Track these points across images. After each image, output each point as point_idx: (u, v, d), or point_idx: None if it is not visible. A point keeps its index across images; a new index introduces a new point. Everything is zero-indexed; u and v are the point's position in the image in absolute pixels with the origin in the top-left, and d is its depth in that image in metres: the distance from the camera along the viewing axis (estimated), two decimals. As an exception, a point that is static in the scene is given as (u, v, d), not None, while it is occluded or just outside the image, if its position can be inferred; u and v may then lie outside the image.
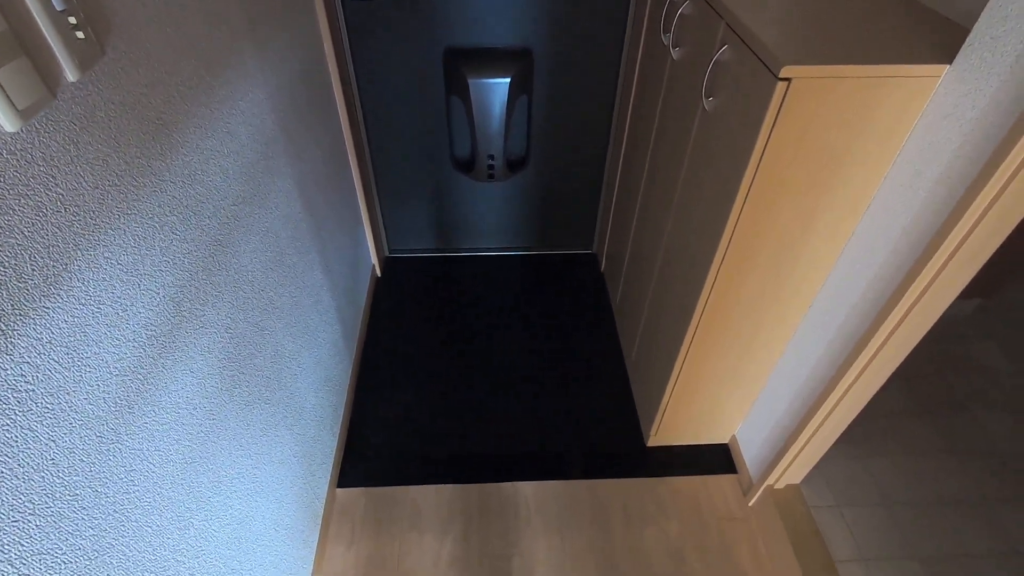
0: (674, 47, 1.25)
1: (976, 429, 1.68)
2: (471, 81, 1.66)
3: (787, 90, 0.83)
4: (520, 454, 1.60)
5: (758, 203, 0.98)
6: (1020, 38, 0.72)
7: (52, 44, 0.53)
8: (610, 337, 1.92)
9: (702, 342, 1.26)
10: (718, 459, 1.59)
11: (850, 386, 1.14)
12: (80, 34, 0.55)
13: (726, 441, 1.62)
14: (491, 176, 1.89)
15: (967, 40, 0.80)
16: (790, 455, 1.32)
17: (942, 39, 0.89)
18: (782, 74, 0.81)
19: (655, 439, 1.59)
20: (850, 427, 1.68)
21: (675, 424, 1.53)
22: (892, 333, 1.02)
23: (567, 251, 2.23)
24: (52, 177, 0.53)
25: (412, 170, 1.94)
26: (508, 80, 1.66)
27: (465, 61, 1.65)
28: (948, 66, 0.82)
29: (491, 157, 1.84)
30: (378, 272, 2.11)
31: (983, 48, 0.77)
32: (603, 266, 2.13)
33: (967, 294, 1.97)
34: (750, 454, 1.51)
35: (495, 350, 1.87)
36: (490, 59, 1.66)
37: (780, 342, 1.28)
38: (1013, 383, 1.81)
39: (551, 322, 1.97)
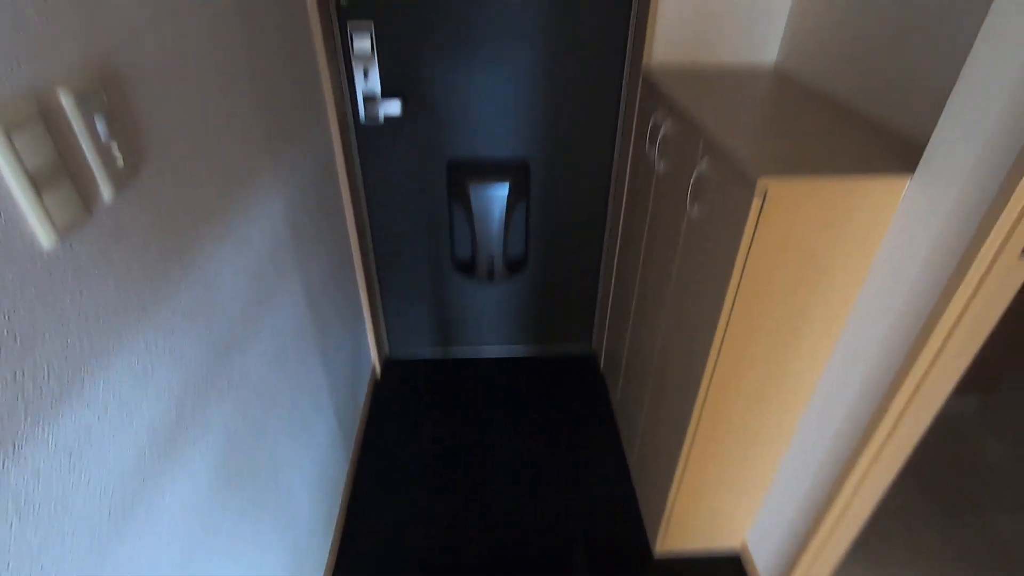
0: (659, 159, 1.35)
1: (990, 533, 1.61)
2: (472, 188, 1.77)
3: (764, 200, 0.89)
4: (521, 560, 1.52)
5: (747, 306, 1.02)
6: (973, 151, 0.79)
7: (94, 169, 0.58)
8: (611, 438, 1.88)
9: (704, 442, 1.25)
10: (730, 570, 1.51)
11: (857, 486, 1.12)
12: (119, 160, 0.61)
13: (737, 546, 1.54)
14: (491, 277, 1.96)
15: (924, 153, 0.87)
16: (804, 563, 1.26)
17: (903, 150, 0.97)
18: (758, 186, 0.88)
19: (662, 544, 1.52)
20: (865, 534, 1.61)
21: (682, 527, 1.47)
22: (893, 430, 1.01)
23: (567, 350, 2.25)
24: (80, 291, 0.57)
25: (414, 271, 2.01)
26: (507, 186, 1.77)
27: (466, 170, 1.76)
28: (910, 177, 0.89)
29: (491, 259, 1.92)
30: (378, 373, 2.11)
31: (940, 160, 0.85)
32: (602, 365, 2.14)
33: (967, 390, 1.96)
34: (763, 562, 1.44)
35: (494, 453, 1.84)
36: (490, 168, 1.77)
37: (783, 441, 1.27)
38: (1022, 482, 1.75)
39: (551, 423, 1.94)
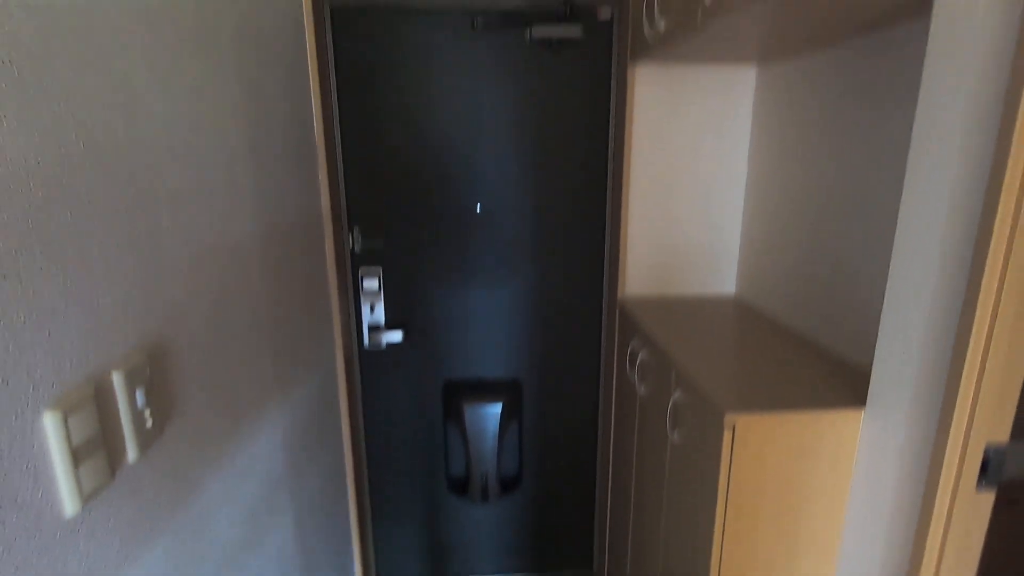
0: (640, 383, 1.45)
1: None
2: (466, 408, 1.84)
3: (734, 431, 0.96)
4: None
5: (737, 529, 1.02)
6: (907, 388, 0.88)
7: (126, 435, 0.66)
8: None
9: None
10: None
11: None
12: (149, 423, 0.69)
13: None
14: (485, 498, 1.92)
15: (870, 388, 0.97)
16: None
17: (857, 380, 1.06)
18: (726, 421, 0.95)
19: None
20: None
21: None
22: None
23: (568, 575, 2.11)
24: (88, 554, 0.61)
25: (408, 493, 1.98)
26: (500, 406, 1.85)
27: (461, 391, 1.85)
28: (863, 409, 0.97)
29: (485, 476, 1.91)
30: (364, 607, 1.95)
31: (882, 395, 0.93)
32: (606, 592, 1.99)
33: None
34: None
35: None
36: (483, 389, 1.87)
37: None
38: None
39: (554, 667, 1.74)
